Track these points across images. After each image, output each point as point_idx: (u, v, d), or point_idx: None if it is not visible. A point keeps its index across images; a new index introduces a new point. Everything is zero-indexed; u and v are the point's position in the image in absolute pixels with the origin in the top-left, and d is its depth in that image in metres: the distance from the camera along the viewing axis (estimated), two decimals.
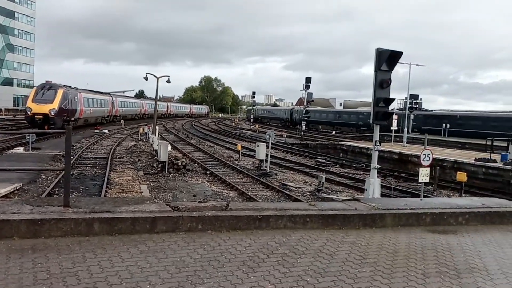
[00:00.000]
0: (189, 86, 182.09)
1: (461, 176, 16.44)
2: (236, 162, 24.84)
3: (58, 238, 5.11)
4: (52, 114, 34.40)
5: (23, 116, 41.75)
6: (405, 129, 35.21)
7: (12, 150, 22.36)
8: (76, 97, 39.62)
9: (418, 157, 10.73)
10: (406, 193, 17.68)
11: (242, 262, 4.81)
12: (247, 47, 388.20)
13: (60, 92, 35.88)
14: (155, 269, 4.46)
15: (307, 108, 47.46)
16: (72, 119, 38.25)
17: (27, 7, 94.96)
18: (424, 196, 10.95)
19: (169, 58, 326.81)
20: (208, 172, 20.47)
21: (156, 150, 23.46)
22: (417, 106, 42.10)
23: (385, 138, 38.40)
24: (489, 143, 25.20)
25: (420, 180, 10.29)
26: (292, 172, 22.63)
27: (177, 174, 19.40)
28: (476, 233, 6.93)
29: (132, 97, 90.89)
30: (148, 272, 4.36)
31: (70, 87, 40.77)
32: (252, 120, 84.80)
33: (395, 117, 31.45)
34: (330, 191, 17.45)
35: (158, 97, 42.27)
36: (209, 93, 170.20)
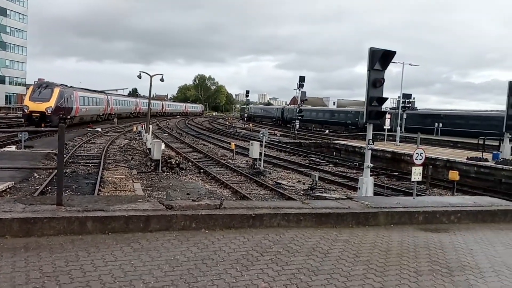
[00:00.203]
0: (182, 84, 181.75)
1: (453, 175, 16.55)
2: (230, 160, 24.84)
3: (51, 237, 5.09)
4: (48, 112, 35.31)
5: (16, 114, 42.49)
6: (398, 128, 35.39)
7: (4, 149, 22.19)
8: (72, 96, 40.49)
9: (411, 156, 10.78)
10: (399, 191, 17.77)
11: (235, 261, 4.82)
12: (240, 46, 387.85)
13: (56, 91, 36.83)
14: (149, 267, 4.45)
15: (300, 107, 47.52)
16: (68, 117, 39.32)
17: (19, 4, 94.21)
18: (417, 195, 11.01)
19: (161, 56, 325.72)
20: (202, 170, 20.45)
21: (149, 149, 23.40)
22: (410, 105, 42.28)
23: (378, 137, 38.57)
24: (481, 142, 25.39)
25: (412, 179, 10.33)
26: (285, 170, 22.66)
27: (170, 173, 19.36)
28: (468, 231, 6.99)
29: (127, 95, 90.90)
30: (141, 271, 4.35)
31: (66, 86, 41.58)
32: (246, 119, 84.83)
33: (388, 116, 31.60)
34: (323, 190, 17.50)
35: (151, 96, 42.18)
36: (203, 91, 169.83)
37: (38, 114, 35.00)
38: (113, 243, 5.07)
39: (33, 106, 35.45)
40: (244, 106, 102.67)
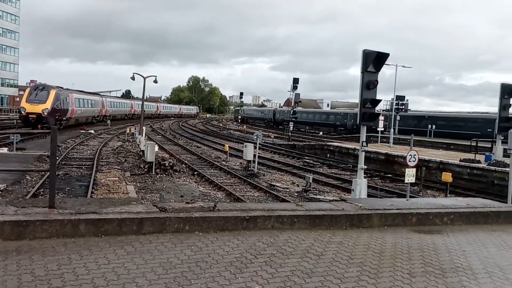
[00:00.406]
0: (176, 86, 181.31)
1: (446, 177, 16.65)
2: (223, 162, 24.80)
3: (43, 240, 5.04)
4: (45, 113, 36.32)
5: (8, 116, 43.19)
6: (391, 129, 35.54)
7: None
8: (67, 98, 41.55)
9: (404, 157, 10.82)
10: (393, 193, 17.83)
11: (229, 263, 4.81)
12: (234, 47, 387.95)
13: (52, 93, 37.91)
14: (142, 270, 4.42)
15: (294, 109, 47.57)
16: (64, 118, 40.56)
17: (11, 5, 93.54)
18: (410, 197, 11.05)
19: (155, 58, 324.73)
20: (195, 172, 20.40)
21: (143, 151, 23.30)
22: (403, 107, 42.50)
23: (371, 138, 38.71)
24: (473, 144, 25.58)
25: (406, 181, 10.36)
26: (279, 172, 22.66)
27: (164, 175, 19.29)
28: (461, 233, 7.02)
29: (121, 97, 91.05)
30: (135, 274, 4.33)
31: (62, 88, 42.74)
32: (239, 120, 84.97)
33: (381, 118, 31.70)
34: (317, 192, 17.52)
35: (145, 97, 42.15)
36: (197, 93, 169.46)
37: (34, 116, 35.89)
38: (106, 246, 5.04)
39: (30, 108, 36.33)
40: (238, 108, 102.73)
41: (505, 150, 17.79)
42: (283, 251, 5.33)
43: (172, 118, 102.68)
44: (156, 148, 23.74)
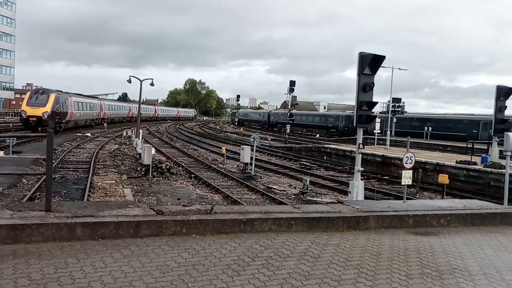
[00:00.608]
0: (173, 89, 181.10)
1: (443, 179, 16.72)
2: (220, 165, 24.79)
3: (40, 244, 5.02)
4: (45, 116, 37.16)
5: (4, 119, 44.06)
6: (388, 132, 35.60)
7: None
8: (67, 101, 42.57)
9: (401, 159, 10.85)
10: (389, 195, 17.86)
11: (227, 266, 4.80)
12: (231, 50, 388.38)
13: (52, 96, 39.01)
14: (139, 273, 4.41)
15: (291, 112, 47.62)
16: (63, 121, 41.65)
17: (7, 8, 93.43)
18: (407, 199, 11.08)
19: (152, 61, 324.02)
20: (192, 175, 20.38)
21: (139, 154, 23.27)
22: (400, 109, 42.61)
23: (368, 141, 38.81)
24: (469, 145, 25.66)
25: (403, 183, 10.39)
26: (276, 175, 22.67)
27: (161, 178, 19.27)
28: (458, 234, 7.04)
29: (119, 100, 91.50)
30: (131, 277, 4.32)
31: (61, 91, 43.82)
32: (236, 123, 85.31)
33: (378, 120, 31.77)
34: (314, 194, 17.53)
35: (142, 100, 42.08)
36: (194, 96, 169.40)
37: (35, 119, 36.99)
38: (103, 249, 5.02)
39: (30, 111, 37.47)
40: (235, 111, 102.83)
41: (501, 151, 17.86)
42: (280, 254, 5.33)
43: (169, 120, 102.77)
44: (153, 151, 23.68)
